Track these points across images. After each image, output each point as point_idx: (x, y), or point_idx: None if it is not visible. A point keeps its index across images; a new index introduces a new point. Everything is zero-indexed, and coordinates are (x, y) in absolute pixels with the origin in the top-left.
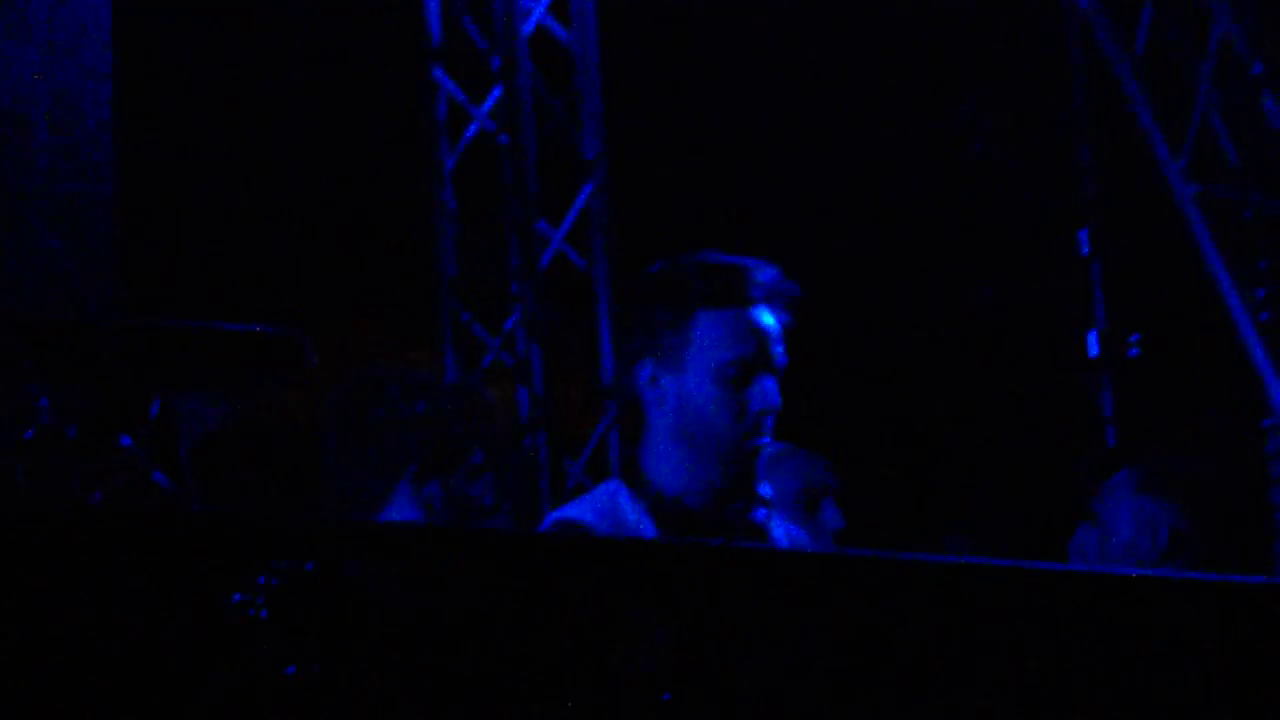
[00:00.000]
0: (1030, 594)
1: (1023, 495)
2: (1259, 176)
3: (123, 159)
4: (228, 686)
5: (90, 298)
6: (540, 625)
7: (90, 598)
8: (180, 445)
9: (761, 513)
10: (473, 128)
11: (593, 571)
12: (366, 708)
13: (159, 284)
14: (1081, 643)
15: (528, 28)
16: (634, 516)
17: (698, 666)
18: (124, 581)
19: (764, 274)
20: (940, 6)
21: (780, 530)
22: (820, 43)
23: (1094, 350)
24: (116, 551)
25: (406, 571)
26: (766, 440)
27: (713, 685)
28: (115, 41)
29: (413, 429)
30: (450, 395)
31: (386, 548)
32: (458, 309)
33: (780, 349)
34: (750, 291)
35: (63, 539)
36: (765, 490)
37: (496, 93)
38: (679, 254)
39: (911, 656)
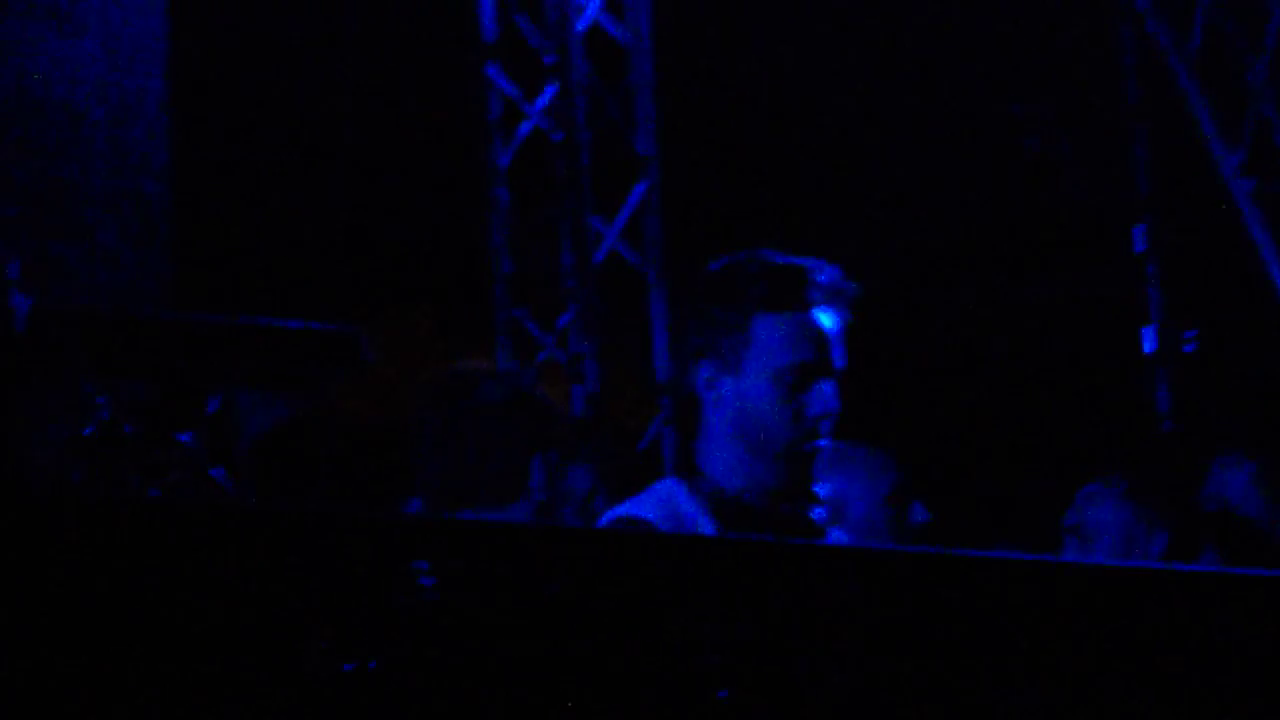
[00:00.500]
0: (1086, 591)
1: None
2: None
3: (180, 157)
4: (283, 682)
5: (147, 294)
6: (603, 621)
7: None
8: (238, 442)
9: (818, 512)
10: (526, 125)
11: (656, 567)
12: (426, 705)
13: (216, 281)
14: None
15: (582, 24)
16: (692, 513)
17: (757, 664)
18: (186, 576)
19: (823, 275)
20: (996, 2)
21: (836, 530)
22: (876, 39)
23: (1150, 346)
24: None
25: (467, 567)
26: (825, 443)
27: (770, 684)
28: (171, 41)
29: (525, 413)
30: (533, 383)
31: (448, 542)
32: (511, 306)
33: (840, 351)
34: (809, 294)
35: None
36: (822, 489)
37: (550, 90)
38: (737, 253)
39: (967, 654)
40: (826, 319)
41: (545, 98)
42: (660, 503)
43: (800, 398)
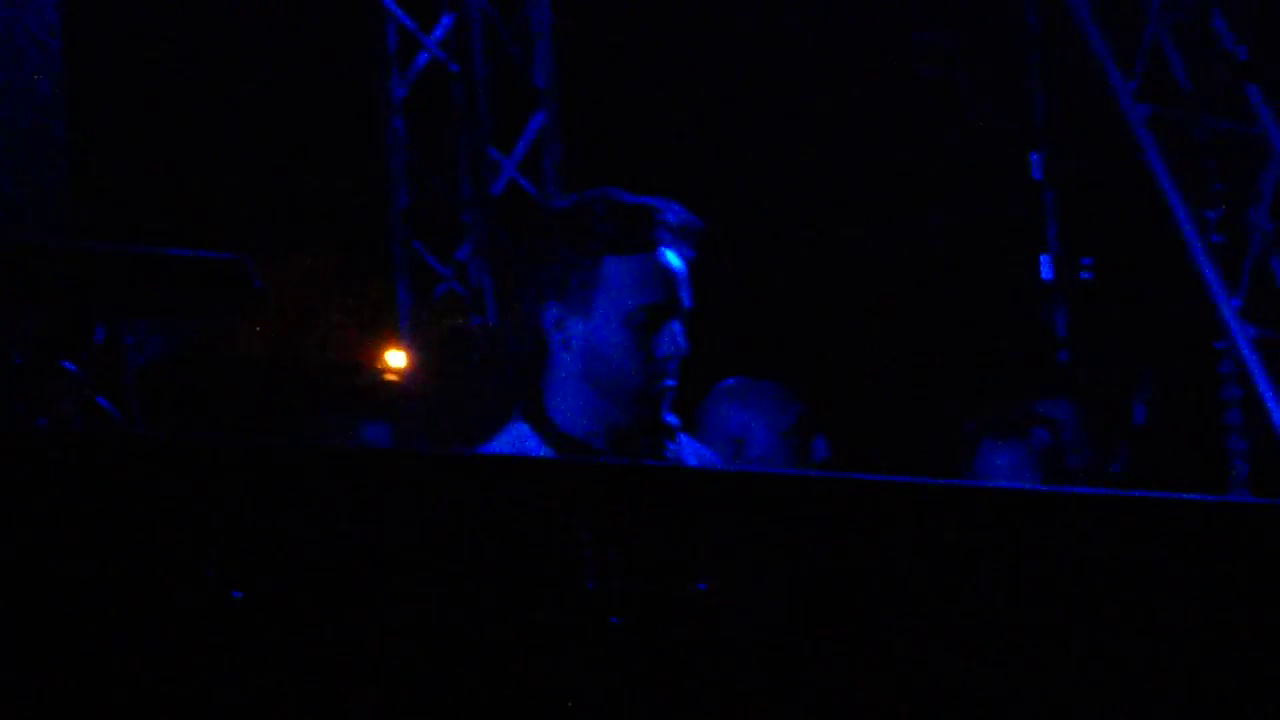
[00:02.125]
0: (945, 513)
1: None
2: (1210, 98)
3: (75, 91)
4: (177, 611)
5: (43, 227)
6: (487, 547)
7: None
8: (126, 371)
9: (670, 446)
10: (423, 56)
11: (538, 490)
12: (315, 631)
13: (113, 216)
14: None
15: None
16: (543, 455)
17: (642, 587)
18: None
19: (670, 214)
20: None
21: (692, 457)
22: None
23: (1047, 273)
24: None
25: (350, 494)
26: (673, 383)
27: (656, 605)
28: None
29: (506, 369)
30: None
31: (329, 470)
32: (410, 239)
33: (688, 291)
34: (658, 233)
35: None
36: (672, 420)
37: (447, 21)
38: (584, 192)
39: (831, 573)
40: (674, 259)
41: (442, 29)
42: (511, 447)
43: (649, 339)
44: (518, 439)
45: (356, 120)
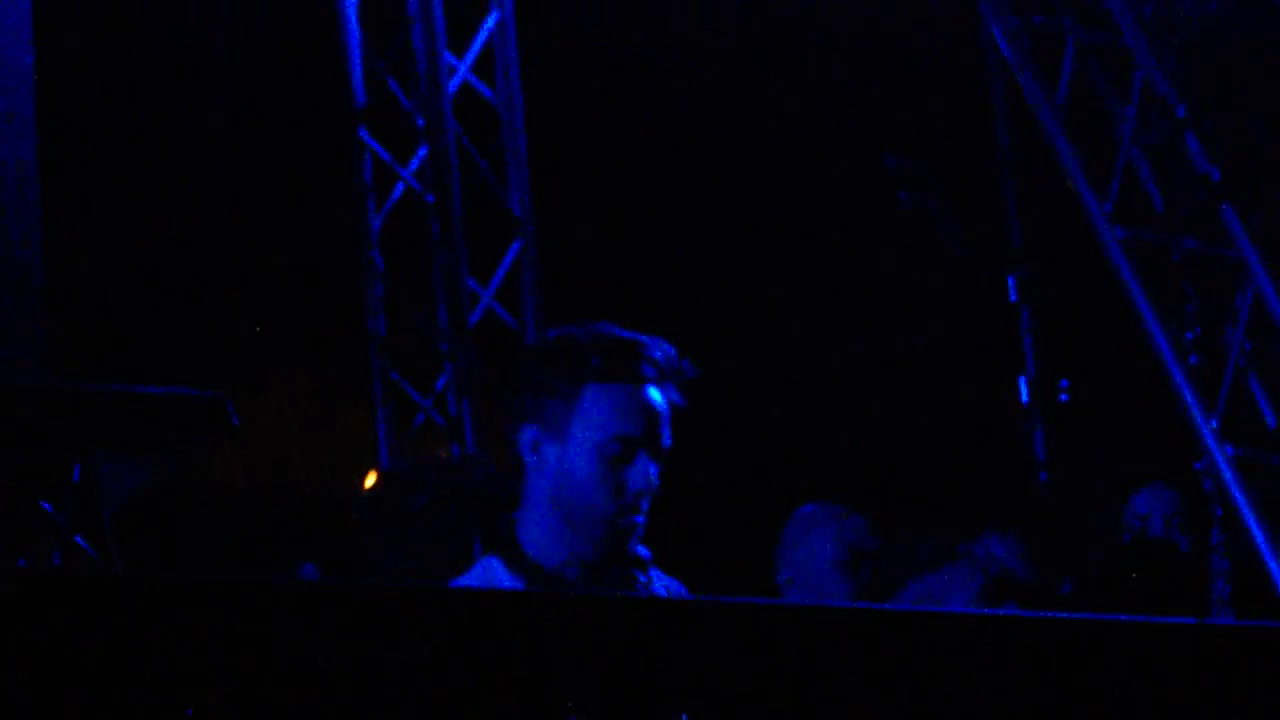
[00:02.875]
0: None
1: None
2: (1185, 219)
3: (52, 226)
4: None
5: (20, 365)
6: (469, 680)
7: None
8: (102, 509)
9: (641, 578)
10: (399, 187)
11: (517, 624)
12: None
13: (91, 350)
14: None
15: (452, 86)
16: (512, 588)
17: (625, 717)
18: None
19: (658, 352)
20: (865, 57)
21: (662, 589)
22: (750, 97)
23: (1025, 395)
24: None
25: (327, 629)
26: (640, 520)
27: None
28: (39, 120)
29: (457, 502)
30: (475, 467)
31: (306, 606)
32: (388, 369)
33: (666, 430)
34: (642, 369)
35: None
36: (643, 552)
37: (422, 152)
38: (574, 324)
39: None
40: (656, 396)
41: (417, 159)
42: (481, 581)
43: (621, 471)
44: (487, 573)
45: (335, 251)
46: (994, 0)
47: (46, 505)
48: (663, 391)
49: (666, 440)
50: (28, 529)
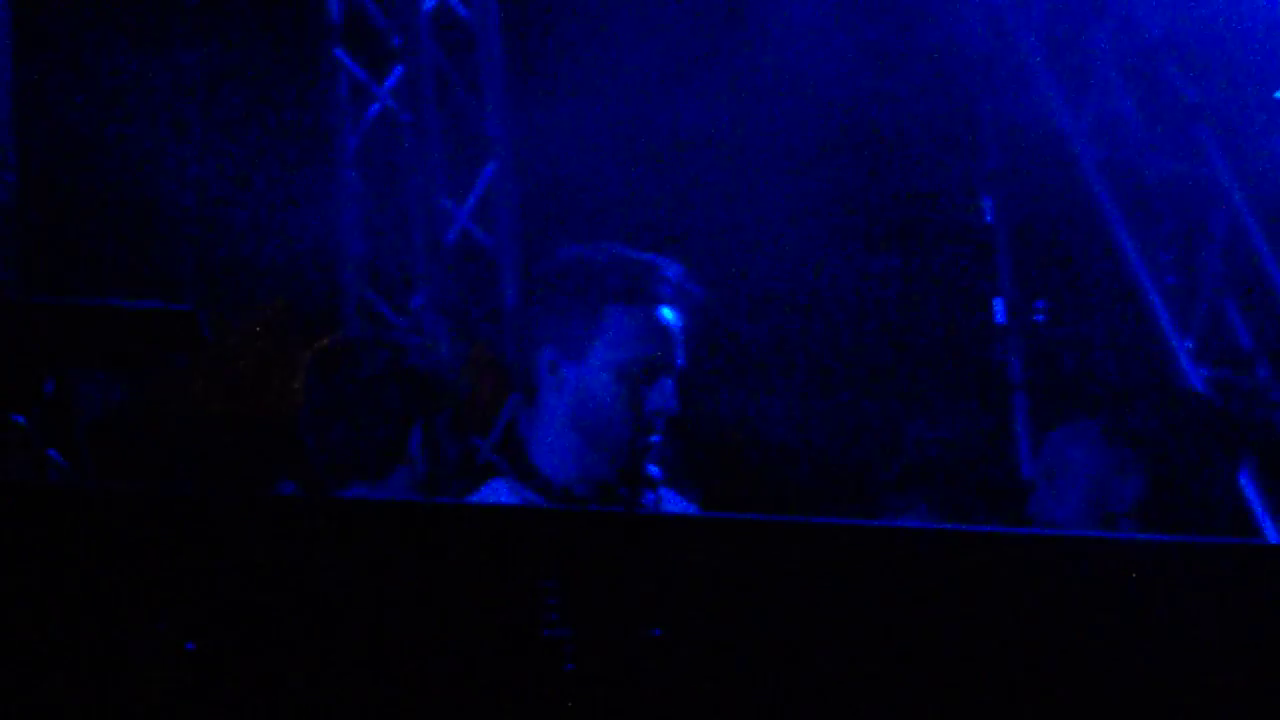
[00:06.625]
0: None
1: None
2: (1161, 140)
3: (22, 146)
4: (130, 664)
5: None
6: (449, 596)
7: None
8: (76, 423)
9: (649, 496)
10: (375, 107)
11: (496, 538)
12: (268, 681)
13: (65, 270)
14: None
15: (428, 5)
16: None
17: (596, 634)
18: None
19: (672, 272)
20: None
21: (670, 508)
22: (728, 14)
23: (1001, 317)
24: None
25: (305, 542)
26: (656, 439)
27: (610, 652)
28: (14, 36)
29: (403, 381)
30: (427, 352)
31: (283, 518)
32: (364, 289)
33: (681, 350)
34: (659, 289)
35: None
36: (654, 472)
37: (398, 71)
38: (587, 243)
39: (809, 618)
40: (672, 315)
41: (393, 79)
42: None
43: (640, 391)
44: (492, 495)
45: (309, 171)
46: None
47: (19, 418)
48: (675, 311)
49: (681, 360)
50: (1, 442)
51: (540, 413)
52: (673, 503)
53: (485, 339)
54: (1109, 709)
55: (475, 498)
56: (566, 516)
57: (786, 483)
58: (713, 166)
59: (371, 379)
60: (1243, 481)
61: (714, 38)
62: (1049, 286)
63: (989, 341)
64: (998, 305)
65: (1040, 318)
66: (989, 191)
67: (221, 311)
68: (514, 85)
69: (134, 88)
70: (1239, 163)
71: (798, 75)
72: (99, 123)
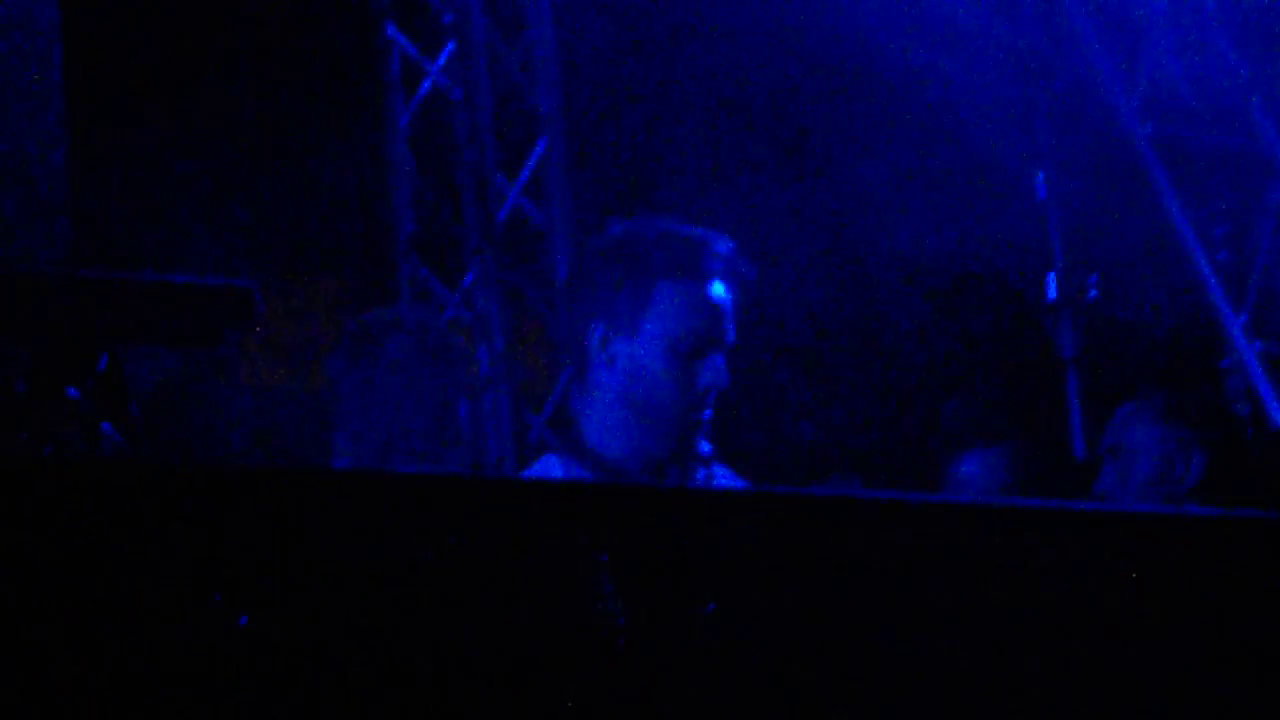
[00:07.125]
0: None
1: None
2: (1214, 115)
3: (74, 117)
4: (184, 638)
5: (41, 256)
6: (500, 571)
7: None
8: (129, 397)
9: (701, 472)
10: (426, 84)
11: (547, 514)
12: (322, 657)
13: (115, 246)
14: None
15: None
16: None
17: (648, 610)
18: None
19: (722, 247)
20: None
21: (722, 484)
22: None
23: (1052, 293)
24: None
25: (358, 517)
26: (708, 415)
27: (662, 628)
28: (63, 6)
29: (435, 363)
30: (446, 331)
31: (336, 492)
32: (415, 264)
33: (732, 326)
34: (710, 264)
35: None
36: (706, 448)
37: (450, 48)
38: (637, 217)
39: (854, 595)
40: (723, 291)
41: (445, 56)
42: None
43: (691, 367)
44: (545, 471)
45: (361, 148)
46: None
47: (73, 392)
48: (726, 286)
49: (731, 336)
50: (55, 417)
51: (591, 389)
52: (725, 478)
53: (538, 315)
54: (1180, 684)
55: (528, 474)
56: (618, 492)
57: (829, 459)
58: (765, 142)
59: (396, 362)
60: None
61: (769, 12)
62: (1101, 262)
63: (1041, 317)
64: (1049, 280)
65: (1093, 293)
66: (1041, 167)
67: (274, 288)
68: (566, 60)
69: (187, 65)
70: None
71: (849, 52)
72: (151, 99)
